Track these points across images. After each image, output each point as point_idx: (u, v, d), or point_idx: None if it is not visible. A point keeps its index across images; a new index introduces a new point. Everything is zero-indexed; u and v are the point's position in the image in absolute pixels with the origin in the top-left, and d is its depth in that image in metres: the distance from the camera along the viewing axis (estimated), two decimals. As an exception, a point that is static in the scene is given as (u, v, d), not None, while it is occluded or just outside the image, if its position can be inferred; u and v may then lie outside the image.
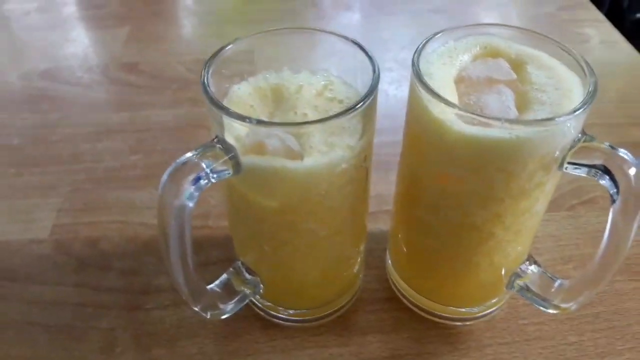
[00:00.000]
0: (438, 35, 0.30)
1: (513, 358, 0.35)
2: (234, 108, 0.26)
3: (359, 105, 0.26)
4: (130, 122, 0.55)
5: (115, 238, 0.42)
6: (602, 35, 0.68)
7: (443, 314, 0.36)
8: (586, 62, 0.28)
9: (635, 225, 0.27)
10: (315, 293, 0.35)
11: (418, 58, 0.28)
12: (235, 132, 0.27)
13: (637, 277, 0.40)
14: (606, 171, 0.26)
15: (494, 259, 0.31)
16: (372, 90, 0.27)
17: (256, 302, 0.36)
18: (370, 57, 0.29)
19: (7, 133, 0.53)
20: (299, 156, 0.26)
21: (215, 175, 0.26)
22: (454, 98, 0.27)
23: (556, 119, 0.25)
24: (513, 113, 0.27)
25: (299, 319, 0.36)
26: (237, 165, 0.26)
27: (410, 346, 0.35)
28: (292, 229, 0.29)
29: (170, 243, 0.26)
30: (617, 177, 0.26)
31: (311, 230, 0.29)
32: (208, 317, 0.30)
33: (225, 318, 0.32)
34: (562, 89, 0.28)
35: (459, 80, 0.29)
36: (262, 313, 0.37)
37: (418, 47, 0.29)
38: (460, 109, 0.25)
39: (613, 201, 0.26)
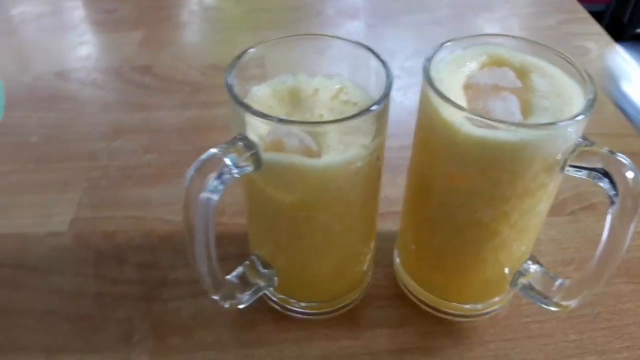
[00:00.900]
0: (447, 44, 0.32)
1: (515, 354, 0.36)
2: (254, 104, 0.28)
3: (374, 108, 0.27)
4: (143, 123, 0.56)
5: (131, 232, 0.44)
6: (601, 49, 0.70)
7: (448, 310, 0.38)
8: (586, 72, 0.29)
9: (632, 226, 0.28)
10: (327, 287, 0.37)
11: (429, 65, 0.30)
12: (256, 130, 0.28)
13: (635, 279, 0.41)
14: (605, 174, 0.28)
15: (499, 256, 0.33)
16: (387, 93, 0.28)
17: (270, 295, 0.38)
18: (383, 62, 0.30)
19: (25, 131, 0.55)
20: (317, 154, 0.28)
21: (237, 171, 0.27)
22: (462, 103, 0.29)
23: (558, 124, 0.27)
24: (518, 118, 0.29)
25: (311, 312, 0.37)
26: (258, 161, 0.28)
27: (416, 340, 0.37)
28: (308, 224, 0.31)
29: (196, 235, 0.27)
30: (616, 179, 0.27)
31: (326, 225, 0.31)
32: (226, 306, 0.32)
33: (241, 309, 0.33)
34: (564, 96, 0.30)
35: (467, 87, 0.31)
36: (275, 305, 0.38)
37: (428, 54, 0.31)
38: (469, 112, 0.27)
39: (612, 203, 0.28)
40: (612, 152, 0.28)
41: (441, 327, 0.38)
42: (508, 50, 0.33)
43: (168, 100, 0.60)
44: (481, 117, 0.27)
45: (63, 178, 0.49)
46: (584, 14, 0.78)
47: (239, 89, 0.30)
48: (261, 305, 0.38)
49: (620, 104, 0.60)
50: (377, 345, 0.36)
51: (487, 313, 0.38)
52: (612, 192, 0.28)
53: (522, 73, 0.31)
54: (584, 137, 0.28)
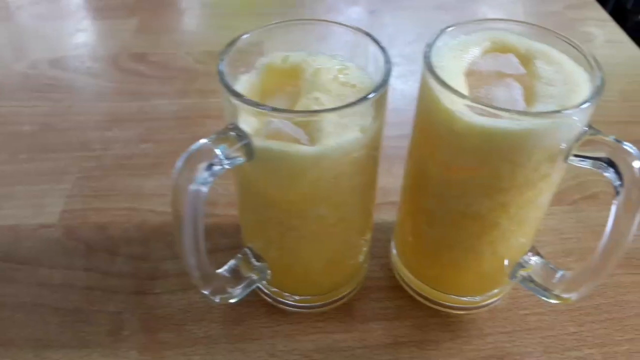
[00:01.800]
0: (449, 29, 0.31)
1: (514, 347, 0.35)
2: (246, 92, 0.27)
3: (370, 95, 0.26)
4: (139, 111, 0.55)
5: (123, 224, 0.43)
6: (607, 35, 0.69)
7: (446, 303, 0.37)
8: (594, 58, 0.28)
9: (637, 218, 0.27)
10: (321, 280, 0.36)
11: (430, 50, 0.29)
12: (248, 119, 0.27)
13: (637, 270, 0.40)
14: (611, 164, 0.27)
15: (497, 248, 0.32)
16: (385, 80, 0.27)
17: (262, 288, 0.37)
18: (382, 48, 0.29)
19: (17, 120, 0.54)
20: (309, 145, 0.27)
21: (228, 162, 0.26)
22: (464, 90, 0.28)
23: (563, 112, 0.26)
24: (521, 105, 0.28)
25: (304, 305, 0.37)
26: (250, 151, 0.27)
27: (412, 334, 0.36)
28: (301, 216, 0.30)
29: (184, 227, 0.26)
30: (622, 169, 0.26)
31: (320, 217, 0.30)
32: (217, 301, 0.31)
33: (232, 303, 0.33)
34: (570, 83, 0.28)
35: (469, 74, 0.30)
36: (267, 299, 0.37)
37: (430, 39, 0.30)
38: (470, 99, 0.26)
39: (617, 193, 0.27)
40: (618, 141, 0.26)
41: (438, 319, 0.37)
42: (512, 36, 0.31)
43: (164, 88, 0.59)
44: (483, 104, 0.26)
45: (56, 168, 0.48)
46: (588, -1, 0.77)
47: (232, 77, 0.29)
48: (254, 299, 0.37)
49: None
50: (373, 338, 0.36)
51: (486, 305, 0.37)
52: (618, 183, 0.27)
53: (527, 59, 0.30)
54: (589, 126, 0.27)
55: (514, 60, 0.30)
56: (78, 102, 0.57)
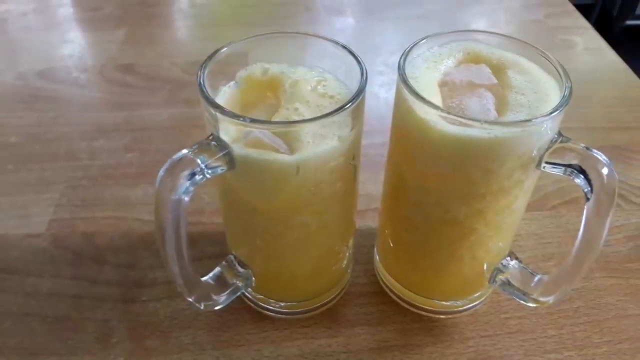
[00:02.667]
0: (423, 40, 0.32)
1: (495, 350, 0.36)
2: (227, 103, 0.27)
3: (347, 106, 0.27)
4: (125, 122, 0.56)
5: (110, 233, 0.43)
6: (586, 42, 0.70)
7: (428, 307, 0.38)
8: (562, 67, 0.29)
9: (607, 222, 0.28)
10: (305, 286, 0.36)
11: (404, 62, 0.30)
12: (229, 129, 0.28)
13: (615, 274, 0.41)
14: (581, 170, 0.27)
15: (476, 253, 0.33)
16: (360, 92, 0.28)
17: (248, 295, 0.38)
18: (358, 61, 0.30)
19: (4, 132, 0.54)
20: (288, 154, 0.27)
21: (210, 171, 0.27)
22: (437, 100, 0.29)
23: (532, 120, 0.27)
24: (493, 115, 0.29)
25: (289, 311, 0.37)
26: (231, 161, 0.28)
27: (396, 338, 0.37)
28: (284, 223, 0.31)
29: (167, 235, 0.27)
30: (591, 176, 0.27)
31: (302, 224, 0.31)
32: (202, 308, 0.32)
33: (218, 310, 0.33)
34: (540, 92, 0.29)
35: (443, 84, 0.31)
36: (253, 305, 0.38)
37: (404, 51, 0.31)
38: (442, 110, 0.27)
39: (587, 199, 0.28)
40: (587, 148, 0.27)
41: (421, 324, 0.38)
42: (486, 47, 0.32)
43: (151, 99, 0.59)
44: (454, 115, 0.27)
45: (43, 178, 0.49)
46: (570, 7, 0.78)
47: (213, 88, 0.30)
48: (239, 305, 0.38)
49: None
50: (356, 343, 0.36)
51: (467, 309, 0.38)
52: (588, 189, 0.27)
53: (499, 69, 0.31)
54: (560, 133, 0.28)
55: (487, 70, 0.31)
56: (65, 113, 0.57)
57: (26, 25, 0.74)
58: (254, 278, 0.35)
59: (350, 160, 0.30)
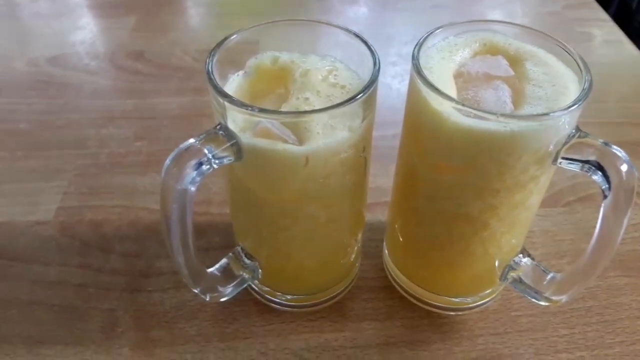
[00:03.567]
0: (438, 30, 0.31)
1: (505, 348, 0.35)
2: (235, 92, 0.27)
3: (359, 96, 0.26)
4: (135, 110, 0.56)
5: (118, 222, 0.43)
6: (605, 35, 0.69)
7: (437, 304, 0.37)
8: (582, 60, 0.28)
9: (625, 221, 0.27)
10: (312, 279, 0.36)
11: (418, 52, 0.29)
12: (237, 119, 0.27)
13: (630, 272, 0.40)
14: (599, 167, 0.27)
15: (487, 249, 0.32)
16: (372, 82, 0.27)
17: (254, 287, 0.37)
18: (371, 50, 0.29)
19: (14, 118, 0.54)
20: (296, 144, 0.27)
21: (217, 161, 0.26)
22: (452, 92, 0.28)
23: (550, 114, 0.26)
24: (509, 108, 0.28)
25: (296, 305, 0.37)
26: (238, 151, 0.27)
27: (403, 334, 0.36)
28: (291, 215, 0.30)
29: (172, 226, 0.26)
30: (610, 173, 0.26)
31: (310, 216, 0.30)
32: (207, 299, 0.31)
33: (224, 301, 0.33)
34: (559, 85, 0.28)
35: (458, 75, 0.30)
36: (259, 297, 0.37)
37: (419, 41, 0.30)
38: (457, 102, 0.26)
39: (605, 197, 0.27)
40: (606, 144, 0.26)
41: (429, 320, 0.37)
42: (503, 38, 0.31)
43: (161, 87, 0.59)
44: (469, 107, 0.26)
45: (51, 166, 0.48)
46: (588, -1, 0.77)
47: (222, 76, 0.29)
48: (245, 297, 0.37)
49: None
50: (363, 338, 0.36)
51: (477, 306, 0.37)
52: (605, 186, 0.27)
53: (516, 61, 0.30)
54: (578, 128, 0.27)
55: (503, 62, 0.30)
56: (75, 100, 0.57)
57: (37, 12, 0.74)
58: (260, 270, 0.34)
59: (361, 152, 0.29)
